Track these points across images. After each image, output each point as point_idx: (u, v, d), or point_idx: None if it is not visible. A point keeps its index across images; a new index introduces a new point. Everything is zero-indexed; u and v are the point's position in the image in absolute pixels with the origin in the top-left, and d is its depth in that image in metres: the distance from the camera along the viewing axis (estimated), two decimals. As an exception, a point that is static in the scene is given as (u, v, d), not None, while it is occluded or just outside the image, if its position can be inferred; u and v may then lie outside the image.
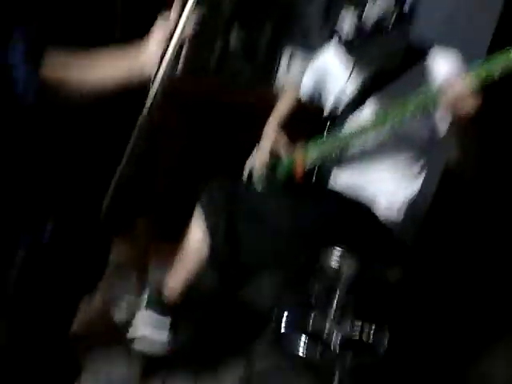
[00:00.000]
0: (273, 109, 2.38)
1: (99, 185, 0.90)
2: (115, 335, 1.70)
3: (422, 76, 1.96)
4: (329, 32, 1.94)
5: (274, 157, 2.19)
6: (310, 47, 3.17)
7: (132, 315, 2.02)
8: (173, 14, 1.07)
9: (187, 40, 1.14)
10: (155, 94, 0.94)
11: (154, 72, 0.98)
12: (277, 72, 3.26)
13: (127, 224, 2.02)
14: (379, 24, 1.82)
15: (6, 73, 0.66)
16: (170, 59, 0.98)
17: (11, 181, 0.70)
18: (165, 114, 1.99)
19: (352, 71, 2.08)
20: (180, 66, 0.92)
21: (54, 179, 0.79)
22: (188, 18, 1.09)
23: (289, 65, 3.23)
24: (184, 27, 1.09)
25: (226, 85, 3.10)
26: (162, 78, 0.97)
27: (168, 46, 1.01)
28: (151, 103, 0.92)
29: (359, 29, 1.84)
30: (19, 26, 0.70)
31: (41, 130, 0.76)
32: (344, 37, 1.88)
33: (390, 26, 1.83)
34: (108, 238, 0.90)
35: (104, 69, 1.05)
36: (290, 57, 3.22)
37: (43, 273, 0.77)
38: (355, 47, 1.89)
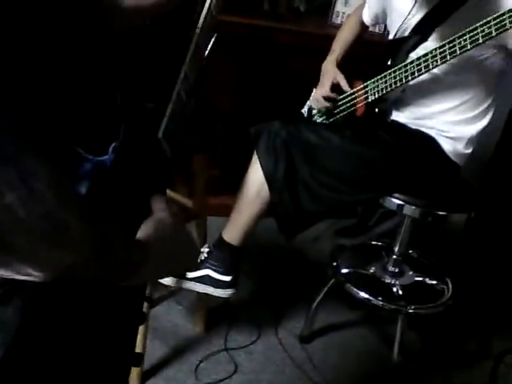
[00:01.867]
0: (329, 44, 2.30)
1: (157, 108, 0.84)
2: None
3: (491, 3, 1.81)
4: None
5: (335, 92, 2.13)
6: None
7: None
8: None
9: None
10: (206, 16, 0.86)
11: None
12: (333, 7, 3.13)
13: (185, 160, 1.97)
14: None
15: None
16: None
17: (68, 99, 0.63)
18: (219, 55, 1.93)
19: None
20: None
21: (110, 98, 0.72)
22: None
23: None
24: None
25: (280, 21, 3.00)
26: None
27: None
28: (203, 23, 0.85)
29: None
30: None
31: (96, 34, 0.70)
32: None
33: None
34: (168, 163, 0.85)
35: None
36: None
37: (108, 199, 0.71)
38: None
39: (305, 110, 2.32)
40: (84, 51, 0.69)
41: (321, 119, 2.24)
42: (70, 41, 0.66)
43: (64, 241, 0.56)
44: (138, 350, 1.83)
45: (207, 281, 1.96)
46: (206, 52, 2.01)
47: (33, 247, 0.54)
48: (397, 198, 1.98)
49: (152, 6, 1.03)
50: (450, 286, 2.30)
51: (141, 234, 0.75)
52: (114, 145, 0.71)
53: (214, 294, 1.99)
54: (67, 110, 0.65)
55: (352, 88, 2.12)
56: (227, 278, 1.97)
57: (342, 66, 2.19)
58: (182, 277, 1.97)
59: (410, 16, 1.98)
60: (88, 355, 0.77)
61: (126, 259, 0.67)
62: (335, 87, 2.14)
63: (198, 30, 0.85)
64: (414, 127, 2.05)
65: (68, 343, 0.73)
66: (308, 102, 2.31)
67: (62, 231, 0.56)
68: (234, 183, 2.04)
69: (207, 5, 0.87)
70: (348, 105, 2.13)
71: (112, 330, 0.82)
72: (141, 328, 1.82)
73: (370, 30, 2.38)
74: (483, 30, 1.66)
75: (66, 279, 0.60)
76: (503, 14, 1.61)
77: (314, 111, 2.27)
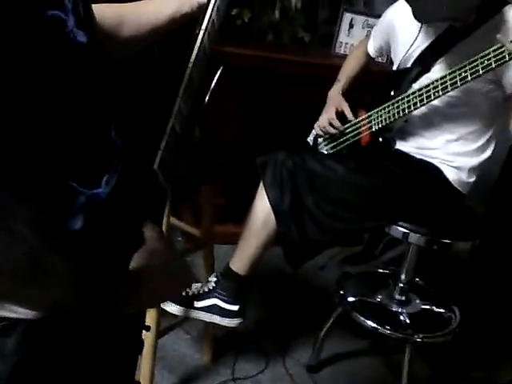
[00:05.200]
0: (332, 74, 2.34)
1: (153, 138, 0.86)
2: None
3: (494, 33, 1.82)
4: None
5: (339, 120, 2.16)
6: (371, 13, 3.13)
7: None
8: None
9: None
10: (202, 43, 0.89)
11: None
12: (336, 38, 3.19)
13: (191, 190, 1.99)
14: None
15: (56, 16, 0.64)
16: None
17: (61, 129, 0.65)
18: (224, 86, 1.99)
19: (421, 28, 1.98)
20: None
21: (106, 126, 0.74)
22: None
23: (349, 30, 3.15)
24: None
25: (284, 51, 3.06)
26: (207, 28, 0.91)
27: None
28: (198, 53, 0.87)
29: None
30: None
31: (92, 71, 0.72)
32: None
33: None
34: (163, 192, 0.87)
35: (155, 6, 1.05)
36: (350, 23, 3.12)
37: (104, 231, 0.72)
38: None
39: (310, 139, 2.35)
40: (77, 85, 0.70)
41: (326, 147, 2.26)
42: (62, 75, 0.67)
43: (46, 279, 0.57)
44: (145, 380, 1.83)
45: (215, 310, 1.97)
46: (212, 84, 2.05)
47: (14, 286, 0.55)
48: (402, 227, 1.99)
49: (149, 34, 1.05)
50: (458, 313, 2.29)
51: (133, 264, 0.76)
52: (107, 177, 0.73)
53: (222, 324, 1.99)
54: (59, 145, 0.66)
55: (356, 117, 2.15)
56: (234, 308, 1.98)
57: (346, 95, 2.22)
58: (189, 306, 1.98)
59: (414, 47, 2.01)
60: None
61: (114, 292, 0.68)
62: (339, 115, 2.17)
63: (190, 64, 0.88)
64: (418, 156, 2.07)
65: (66, 372, 0.74)
66: (313, 131, 2.34)
67: (44, 270, 0.56)
68: (240, 212, 2.06)
69: (200, 39, 0.89)
70: (352, 134, 2.16)
71: (111, 358, 0.83)
72: (148, 358, 1.83)
73: (375, 60, 2.41)
74: (483, 62, 1.69)
75: (56, 314, 0.61)
76: (502, 47, 1.64)
77: (320, 140, 2.30)
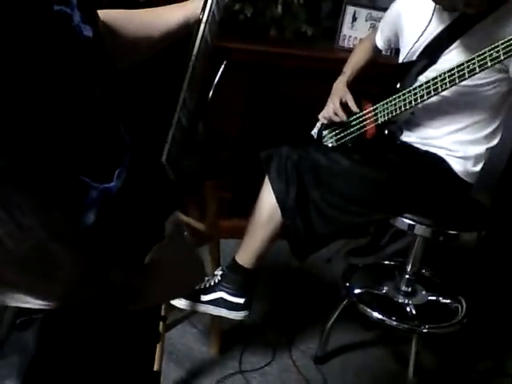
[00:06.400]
0: (336, 68, 2.33)
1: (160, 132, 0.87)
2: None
3: (505, 20, 1.84)
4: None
5: (345, 113, 2.16)
6: (375, 6, 3.12)
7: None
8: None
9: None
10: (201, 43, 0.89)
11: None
12: (340, 31, 3.18)
13: (196, 185, 2.00)
14: None
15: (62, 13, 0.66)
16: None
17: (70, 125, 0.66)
18: (228, 81, 1.99)
19: (432, 16, 1.98)
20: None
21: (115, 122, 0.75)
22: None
23: (353, 23, 3.15)
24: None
25: (287, 46, 3.06)
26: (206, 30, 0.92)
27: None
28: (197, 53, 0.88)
29: None
30: None
31: (100, 65, 0.74)
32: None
33: None
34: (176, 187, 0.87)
35: (165, 12, 1.08)
36: (354, 16, 3.12)
37: (117, 224, 0.73)
38: None
39: (315, 132, 2.35)
40: (86, 80, 0.71)
41: (331, 140, 2.26)
42: (73, 70, 0.68)
43: (52, 271, 0.58)
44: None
45: (221, 303, 1.98)
46: (216, 79, 2.05)
47: (23, 277, 0.56)
48: (408, 218, 1.99)
49: (157, 42, 1.06)
50: (464, 304, 2.30)
51: (146, 257, 0.77)
52: (118, 171, 0.74)
53: (228, 317, 2.00)
54: (69, 139, 0.67)
55: (362, 109, 2.15)
56: (241, 300, 1.99)
57: (351, 87, 2.22)
58: (196, 300, 1.99)
59: (423, 38, 2.00)
60: (104, 376, 0.79)
61: (123, 284, 0.69)
62: (344, 107, 2.17)
63: (193, 58, 0.88)
64: (423, 148, 2.07)
65: (84, 363, 0.75)
66: (318, 124, 2.34)
67: (51, 262, 0.58)
68: (246, 206, 2.07)
69: (201, 32, 0.90)
70: (358, 126, 2.16)
71: (128, 349, 0.84)
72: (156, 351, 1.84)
73: (382, 52, 2.41)
74: (491, 54, 1.69)
75: (67, 306, 0.62)
76: (511, 39, 1.64)
77: (325, 132, 2.30)
